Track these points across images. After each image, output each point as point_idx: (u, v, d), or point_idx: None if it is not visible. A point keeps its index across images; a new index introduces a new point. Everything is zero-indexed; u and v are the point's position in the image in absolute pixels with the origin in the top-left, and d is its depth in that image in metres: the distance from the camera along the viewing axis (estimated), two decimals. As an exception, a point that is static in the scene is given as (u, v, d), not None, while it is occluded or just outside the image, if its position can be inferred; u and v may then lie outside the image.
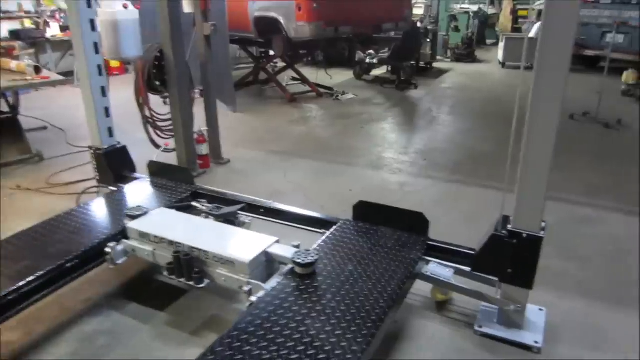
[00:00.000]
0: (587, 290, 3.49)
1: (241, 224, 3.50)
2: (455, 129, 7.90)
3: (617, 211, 4.82)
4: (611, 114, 7.81)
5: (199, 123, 6.35)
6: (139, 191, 3.88)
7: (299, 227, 3.75)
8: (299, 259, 2.77)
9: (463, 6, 16.29)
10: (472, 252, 2.98)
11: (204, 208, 3.67)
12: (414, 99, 10.01)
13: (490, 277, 2.93)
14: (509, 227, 2.82)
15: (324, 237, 3.29)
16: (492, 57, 14.35)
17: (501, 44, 13.26)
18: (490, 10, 17.18)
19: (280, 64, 11.30)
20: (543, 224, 2.74)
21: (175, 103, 5.72)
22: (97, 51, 4.42)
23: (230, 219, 3.52)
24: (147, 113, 5.80)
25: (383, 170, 6.13)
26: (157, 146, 6.10)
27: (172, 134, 6.01)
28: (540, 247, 2.76)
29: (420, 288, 3.30)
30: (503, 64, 12.96)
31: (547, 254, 3.93)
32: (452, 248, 3.13)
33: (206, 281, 2.98)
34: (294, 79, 11.09)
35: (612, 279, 3.64)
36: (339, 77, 12.22)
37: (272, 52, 10.69)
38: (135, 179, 4.54)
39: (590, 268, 3.79)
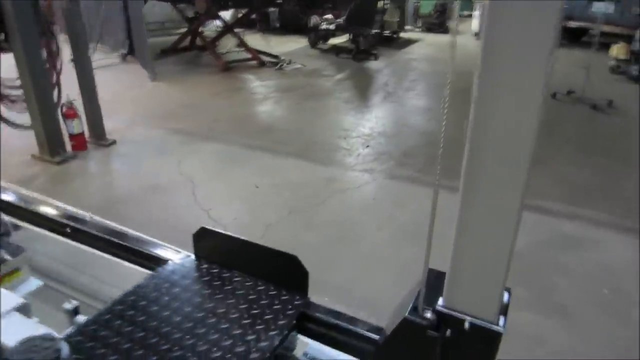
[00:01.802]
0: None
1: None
2: (413, 108, 6.49)
3: (611, 227, 3.49)
4: (599, 94, 6.49)
5: (73, 92, 4.79)
6: None
7: (116, 259, 2.26)
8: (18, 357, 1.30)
9: (438, -28, 14.73)
10: (376, 338, 1.55)
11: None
12: (371, 71, 8.55)
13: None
14: (439, 304, 1.38)
15: (124, 293, 1.81)
16: (466, 29, 12.91)
17: (475, 13, 11.84)
18: (468, -21, 15.65)
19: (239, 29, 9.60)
20: (505, 298, 1.33)
21: (21, 63, 4.14)
22: None
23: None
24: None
25: (310, 159, 4.69)
26: (4, 120, 4.53)
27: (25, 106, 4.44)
28: (497, 349, 1.32)
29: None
30: (477, 35, 11.51)
31: (516, 301, 2.62)
32: (342, 324, 1.68)
33: None
34: (239, 45, 9.48)
35: (611, 350, 2.30)
36: (292, 44, 10.65)
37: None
38: None
39: (577, 327, 2.45)
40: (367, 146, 5.03)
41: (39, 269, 2.26)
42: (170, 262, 2.05)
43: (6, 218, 2.40)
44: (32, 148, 4.62)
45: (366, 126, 5.64)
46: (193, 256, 1.97)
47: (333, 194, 4.03)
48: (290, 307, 1.76)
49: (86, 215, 2.57)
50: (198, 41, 9.41)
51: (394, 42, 11.29)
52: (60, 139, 4.60)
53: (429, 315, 1.36)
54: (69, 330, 1.49)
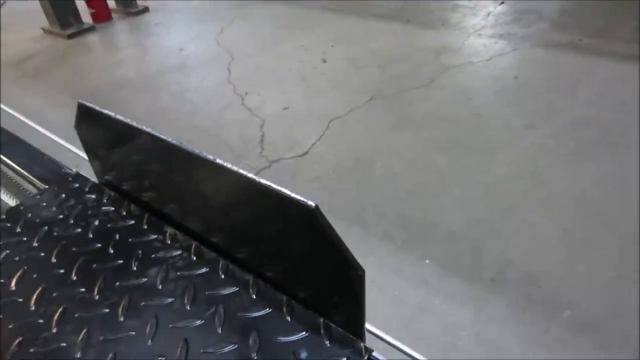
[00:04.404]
0: None
1: None
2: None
3: None
4: None
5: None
6: None
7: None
8: None
9: None
10: None
11: None
12: None
13: None
14: None
15: None
16: None
17: None
18: None
19: None
20: None
21: None
22: None
23: None
24: None
25: (411, 21, 3.09)
26: None
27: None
28: None
29: None
30: None
31: None
32: None
33: None
34: None
35: None
36: None
37: None
38: None
39: None
40: (502, 2, 3.27)
41: None
42: (35, 193, 0.88)
43: None
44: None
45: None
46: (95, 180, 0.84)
47: (445, 70, 2.47)
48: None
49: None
50: None
51: None
52: (72, 6, 3.45)
53: None
54: None
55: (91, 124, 0.81)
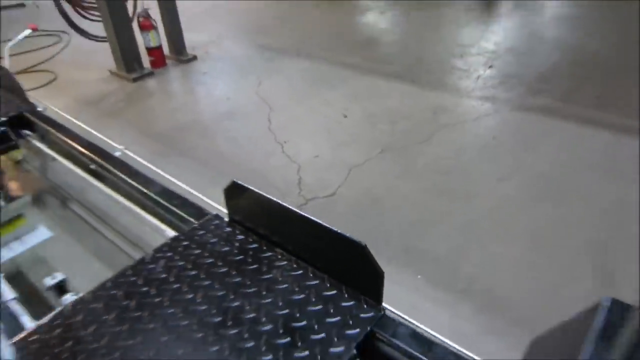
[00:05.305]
0: None
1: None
2: (553, 18, 5.10)
3: None
4: None
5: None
6: None
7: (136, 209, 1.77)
8: None
9: None
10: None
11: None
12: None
13: None
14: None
15: (120, 272, 1.24)
16: None
17: None
18: None
19: None
20: None
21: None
22: None
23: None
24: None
25: (416, 82, 3.78)
26: (80, 31, 4.18)
27: (98, 14, 4.01)
28: None
29: None
30: None
31: None
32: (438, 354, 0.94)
33: None
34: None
35: None
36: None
37: None
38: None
39: None
40: (490, 66, 3.96)
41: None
42: (195, 225, 1.42)
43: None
44: (112, 63, 4.26)
45: (490, 40, 4.49)
46: (227, 218, 1.38)
47: (441, 128, 3.14)
48: (353, 320, 1.03)
49: (118, 149, 2.08)
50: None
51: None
52: (136, 53, 4.16)
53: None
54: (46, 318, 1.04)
55: (234, 190, 1.46)
